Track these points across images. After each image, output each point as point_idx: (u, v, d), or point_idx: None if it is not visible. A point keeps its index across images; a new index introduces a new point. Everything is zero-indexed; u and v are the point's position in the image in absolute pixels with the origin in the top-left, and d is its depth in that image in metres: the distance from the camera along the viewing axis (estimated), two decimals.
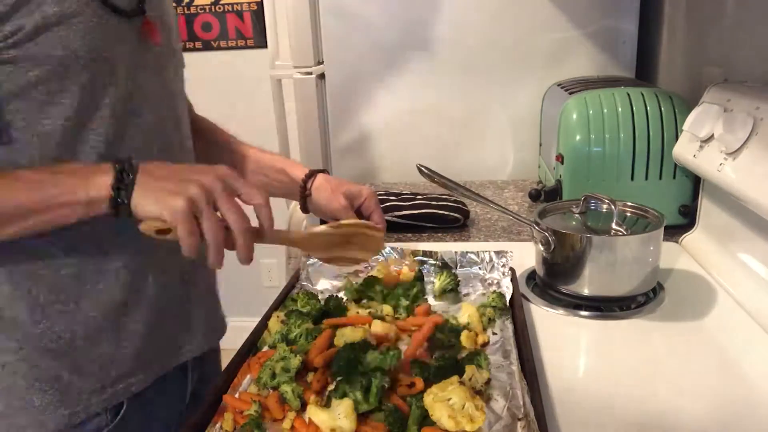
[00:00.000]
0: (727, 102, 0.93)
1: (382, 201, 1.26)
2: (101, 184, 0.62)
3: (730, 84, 0.99)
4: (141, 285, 0.77)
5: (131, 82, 0.73)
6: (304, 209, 0.94)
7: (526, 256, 0.98)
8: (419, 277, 0.90)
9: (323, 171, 0.94)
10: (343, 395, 0.60)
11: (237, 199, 0.64)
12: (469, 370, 0.65)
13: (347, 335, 0.72)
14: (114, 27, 0.70)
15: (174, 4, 0.93)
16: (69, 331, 0.72)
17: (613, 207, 0.90)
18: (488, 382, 0.65)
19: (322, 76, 1.60)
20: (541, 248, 0.89)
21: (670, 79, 1.41)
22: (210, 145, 0.98)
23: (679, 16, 1.37)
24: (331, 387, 0.63)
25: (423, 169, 0.93)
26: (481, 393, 0.64)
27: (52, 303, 0.71)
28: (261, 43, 2.54)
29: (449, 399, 0.59)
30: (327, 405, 0.61)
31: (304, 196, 0.92)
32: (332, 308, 0.83)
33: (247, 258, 0.65)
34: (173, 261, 0.81)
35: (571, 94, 1.20)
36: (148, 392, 0.80)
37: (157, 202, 0.61)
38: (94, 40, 0.67)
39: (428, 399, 0.60)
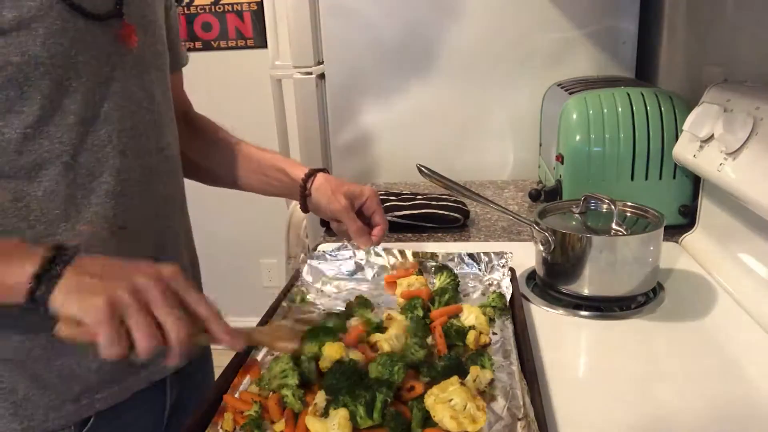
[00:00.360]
0: (727, 102, 0.93)
1: (381, 201, 1.26)
2: (22, 272, 0.55)
3: (730, 84, 0.99)
4: None
5: (103, 87, 0.70)
6: (305, 209, 0.93)
7: (526, 256, 0.98)
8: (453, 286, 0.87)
9: (323, 170, 0.94)
10: (344, 407, 0.59)
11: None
12: (474, 371, 0.65)
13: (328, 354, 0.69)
14: (83, 31, 0.66)
15: (176, 4, 0.91)
16: (27, 341, 0.69)
17: (613, 207, 0.90)
18: (491, 382, 0.65)
19: (322, 76, 1.60)
20: (541, 248, 0.89)
21: (670, 79, 1.41)
22: (209, 144, 0.96)
23: (679, 16, 1.37)
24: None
25: (423, 169, 0.93)
26: (484, 393, 0.64)
27: (7, 315, 0.66)
28: (261, 43, 2.54)
29: (450, 400, 0.59)
30: (326, 414, 0.60)
31: (304, 195, 0.92)
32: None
33: (175, 362, 0.56)
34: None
35: (571, 94, 1.20)
36: (119, 406, 0.76)
37: (78, 301, 0.54)
38: (56, 45, 0.64)
39: (429, 400, 0.60)
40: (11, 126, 0.63)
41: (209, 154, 0.96)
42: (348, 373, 0.63)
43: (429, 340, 0.73)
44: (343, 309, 0.84)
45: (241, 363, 0.72)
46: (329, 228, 1.22)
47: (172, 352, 0.55)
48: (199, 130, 0.97)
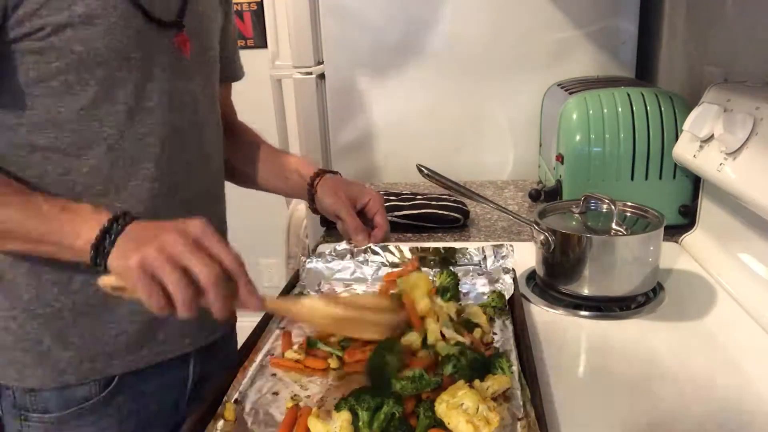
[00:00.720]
0: (727, 102, 0.93)
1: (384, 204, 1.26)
2: (86, 238, 0.63)
3: (730, 84, 0.99)
4: None
5: (151, 84, 0.76)
6: (314, 209, 0.96)
7: (526, 256, 0.98)
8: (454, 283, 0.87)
9: (334, 172, 0.97)
10: (350, 408, 0.59)
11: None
12: (489, 379, 0.64)
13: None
14: (143, 32, 0.74)
15: (234, 22, 1.00)
16: (58, 301, 0.77)
17: (613, 207, 0.90)
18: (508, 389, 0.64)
19: (322, 76, 1.60)
20: (541, 248, 0.89)
21: (670, 79, 1.41)
22: (248, 149, 1.02)
23: (679, 16, 1.37)
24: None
25: (423, 169, 0.93)
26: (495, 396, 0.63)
27: (48, 272, 0.75)
28: (261, 43, 2.54)
29: (462, 404, 0.59)
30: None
31: (311, 194, 0.94)
32: None
33: (221, 312, 0.60)
34: None
35: (571, 94, 1.20)
36: (142, 373, 0.82)
37: (117, 267, 0.61)
38: (114, 41, 0.71)
39: (441, 407, 0.59)
40: (67, 107, 0.71)
41: (247, 159, 1.02)
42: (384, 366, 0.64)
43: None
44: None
45: (241, 363, 0.72)
46: (329, 228, 1.23)
47: (209, 299, 0.59)
48: (241, 137, 1.03)
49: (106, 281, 0.62)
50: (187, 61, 0.81)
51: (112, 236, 0.63)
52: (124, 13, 0.71)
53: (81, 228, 0.64)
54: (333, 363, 0.71)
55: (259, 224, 2.64)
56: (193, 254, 0.59)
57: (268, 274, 2.88)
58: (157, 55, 0.76)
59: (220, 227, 0.94)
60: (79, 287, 0.77)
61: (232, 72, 1.01)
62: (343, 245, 0.96)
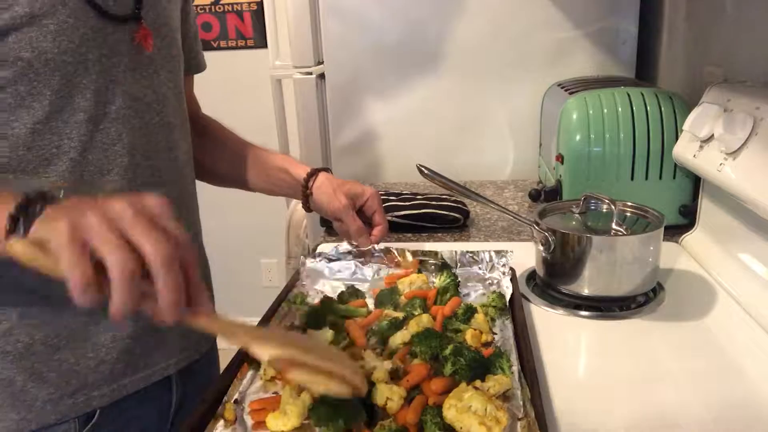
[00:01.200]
0: (727, 102, 0.93)
1: (382, 201, 1.26)
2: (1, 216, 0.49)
3: (730, 84, 0.99)
4: None
5: (113, 86, 0.70)
6: (307, 208, 0.94)
7: (526, 256, 0.98)
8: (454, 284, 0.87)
9: (326, 169, 0.94)
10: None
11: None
12: (489, 380, 0.64)
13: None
14: (96, 29, 0.67)
15: (194, 9, 0.93)
16: (28, 335, 0.70)
17: (613, 207, 0.90)
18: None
19: (322, 76, 1.60)
20: (541, 248, 0.89)
21: (670, 79, 1.41)
22: (216, 145, 0.98)
23: (679, 16, 1.37)
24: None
25: (423, 169, 0.93)
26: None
27: (14, 304, 0.68)
28: (261, 43, 2.54)
29: (470, 406, 0.59)
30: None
31: (306, 195, 0.92)
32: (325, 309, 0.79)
33: (171, 312, 0.45)
34: None
35: (571, 94, 1.20)
36: (123, 403, 0.77)
37: (42, 225, 0.47)
38: (66, 42, 0.64)
39: (451, 412, 0.58)
40: (21, 121, 0.64)
41: (215, 155, 0.97)
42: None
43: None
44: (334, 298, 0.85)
45: (242, 363, 0.72)
46: (329, 228, 1.22)
47: (159, 285, 0.44)
48: (206, 132, 0.97)
49: (15, 247, 0.46)
50: (148, 56, 0.74)
51: (38, 206, 0.49)
52: (75, 10, 0.64)
53: None
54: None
55: (259, 224, 2.65)
56: (144, 224, 0.45)
57: (267, 274, 2.88)
58: (116, 54, 0.69)
59: (195, 236, 0.90)
60: (51, 317, 0.70)
61: (195, 62, 0.94)
62: (344, 246, 0.96)
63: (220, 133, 0.99)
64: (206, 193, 1.08)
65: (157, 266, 0.44)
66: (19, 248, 0.46)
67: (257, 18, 2.54)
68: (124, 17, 0.70)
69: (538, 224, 0.89)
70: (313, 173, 0.93)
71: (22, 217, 0.48)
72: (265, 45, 2.00)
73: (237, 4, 2.54)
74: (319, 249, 1.03)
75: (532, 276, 0.97)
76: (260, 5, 2.49)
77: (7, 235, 0.48)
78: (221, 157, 0.97)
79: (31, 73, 0.63)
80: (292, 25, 1.55)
